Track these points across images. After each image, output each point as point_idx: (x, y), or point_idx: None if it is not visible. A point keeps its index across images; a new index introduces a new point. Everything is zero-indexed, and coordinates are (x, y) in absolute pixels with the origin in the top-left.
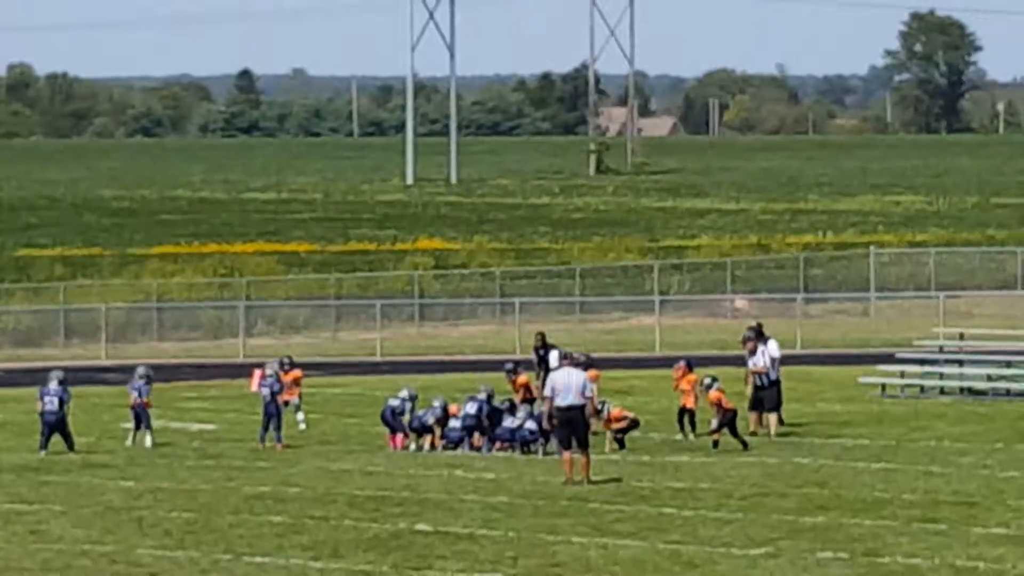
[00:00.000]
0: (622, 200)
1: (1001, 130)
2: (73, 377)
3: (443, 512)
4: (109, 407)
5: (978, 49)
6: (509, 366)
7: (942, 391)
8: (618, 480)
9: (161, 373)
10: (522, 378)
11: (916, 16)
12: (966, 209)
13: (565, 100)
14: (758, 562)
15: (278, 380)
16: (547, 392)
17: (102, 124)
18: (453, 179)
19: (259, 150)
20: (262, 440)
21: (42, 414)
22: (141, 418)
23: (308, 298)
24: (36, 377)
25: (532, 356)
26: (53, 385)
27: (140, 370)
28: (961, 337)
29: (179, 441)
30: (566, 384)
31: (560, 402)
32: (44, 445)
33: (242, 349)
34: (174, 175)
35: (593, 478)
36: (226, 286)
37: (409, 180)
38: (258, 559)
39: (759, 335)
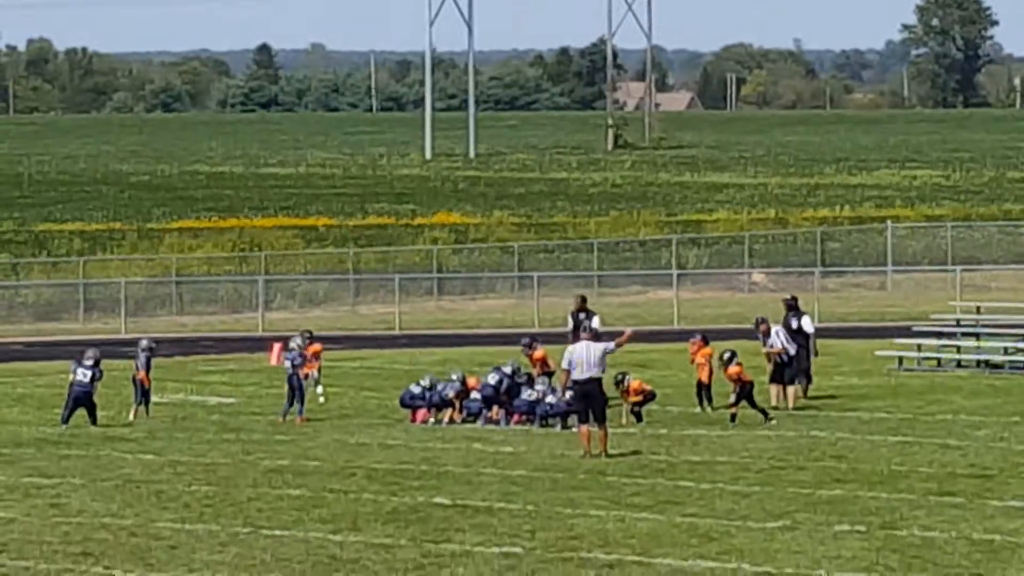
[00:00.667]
0: (639, 175)
1: (1018, 104)
2: None
3: (462, 485)
4: (129, 381)
5: (995, 23)
6: (526, 340)
7: (959, 364)
8: (636, 453)
9: (180, 347)
10: (539, 352)
11: None
12: (983, 183)
13: (583, 75)
14: (775, 535)
15: (301, 354)
16: (564, 364)
17: (121, 99)
18: (471, 154)
19: (278, 125)
20: (284, 415)
21: (72, 385)
22: (139, 391)
23: (327, 272)
24: (57, 351)
25: (569, 321)
26: (88, 362)
27: (143, 343)
28: (978, 311)
29: (198, 415)
30: (584, 357)
31: (578, 375)
32: (66, 419)
33: (261, 323)
34: (193, 150)
35: (610, 451)
36: (245, 260)
37: (427, 155)
38: (277, 532)
39: (794, 309)
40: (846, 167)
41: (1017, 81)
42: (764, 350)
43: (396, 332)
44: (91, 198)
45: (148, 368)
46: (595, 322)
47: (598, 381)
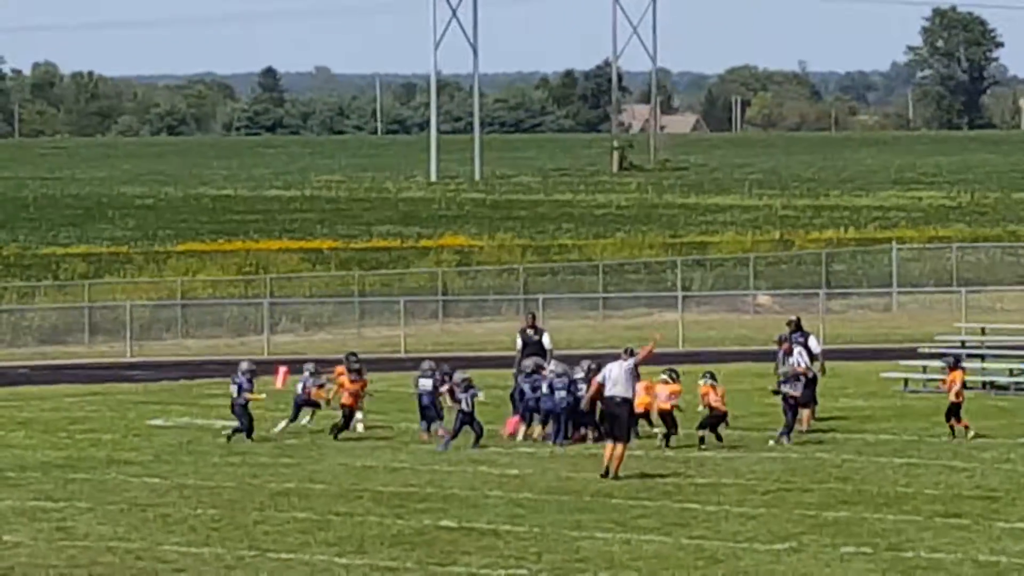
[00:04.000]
0: (645, 196)
1: (1022, 126)
2: (98, 375)
3: (467, 508)
4: (135, 404)
5: (999, 45)
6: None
7: (964, 386)
8: (643, 476)
9: (185, 370)
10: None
11: (938, 12)
12: (988, 205)
13: (588, 97)
14: (781, 557)
15: (249, 380)
16: (599, 379)
17: (127, 123)
18: (476, 176)
19: (283, 148)
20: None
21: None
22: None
23: (332, 295)
24: (62, 374)
25: (518, 340)
26: (241, 376)
27: (243, 365)
28: (983, 332)
29: (204, 438)
30: (617, 375)
31: (608, 392)
32: (229, 436)
33: (266, 346)
34: (198, 173)
35: (620, 474)
36: (250, 283)
37: (433, 177)
38: (283, 555)
39: (798, 329)
40: (851, 188)
41: (1022, 102)
42: (782, 370)
43: (401, 355)
44: (96, 221)
45: (249, 389)
46: (545, 340)
47: (626, 402)
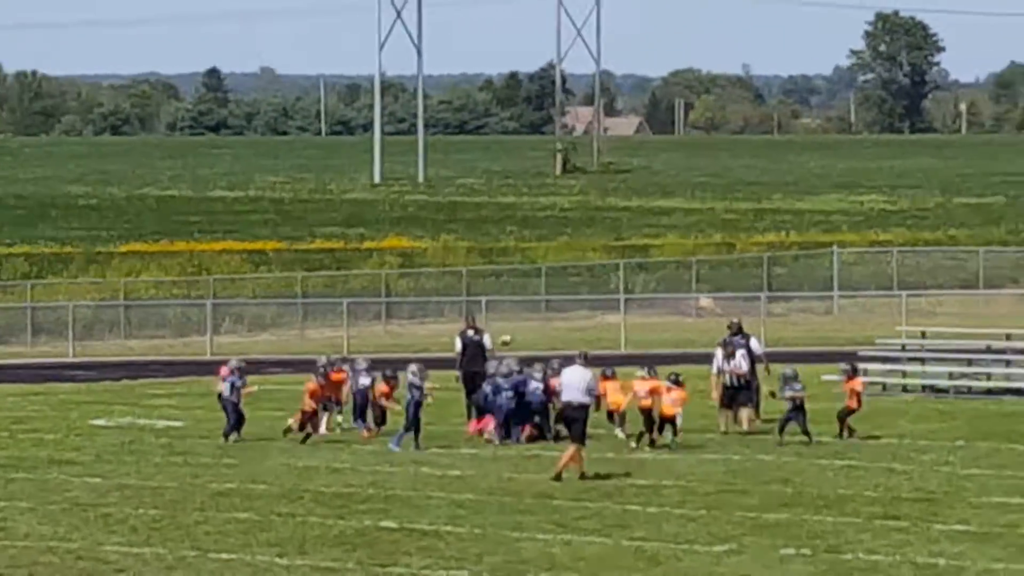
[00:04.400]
0: (588, 199)
1: (964, 130)
2: (40, 374)
3: (409, 509)
4: (77, 404)
5: (941, 50)
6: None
7: (904, 389)
8: (583, 477)
9: (128, 370)
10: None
11: (880, 16)
12: (928, 209)
13: (532, 99)
14: (721, 559)
15: (241, 377)
16: (557, 386)
17: (70, 122)
18: (420, 178)
19: (227, 148)
20: (227, 435)
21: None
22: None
23: (275, 296)
24: (3, 374)
25: (457, 342)
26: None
27: (233, 363)
28: (923, 335)
29: (146, 438)
30: (570, 381)
31: (564, 398)
32: (226, 433)
33: (209, 347)
34: (142, 173)
35: (563, 475)
36: (193, 284)
37: (376, 179)
38: (224, 556)
39: (739, 332)
40: (793, 192)
41: (963, 107)
42: (727, 369)
43: (345, 356)
44: (39, 221)
45: (244, 385)
46: (486, 340)
47: (583, 407)
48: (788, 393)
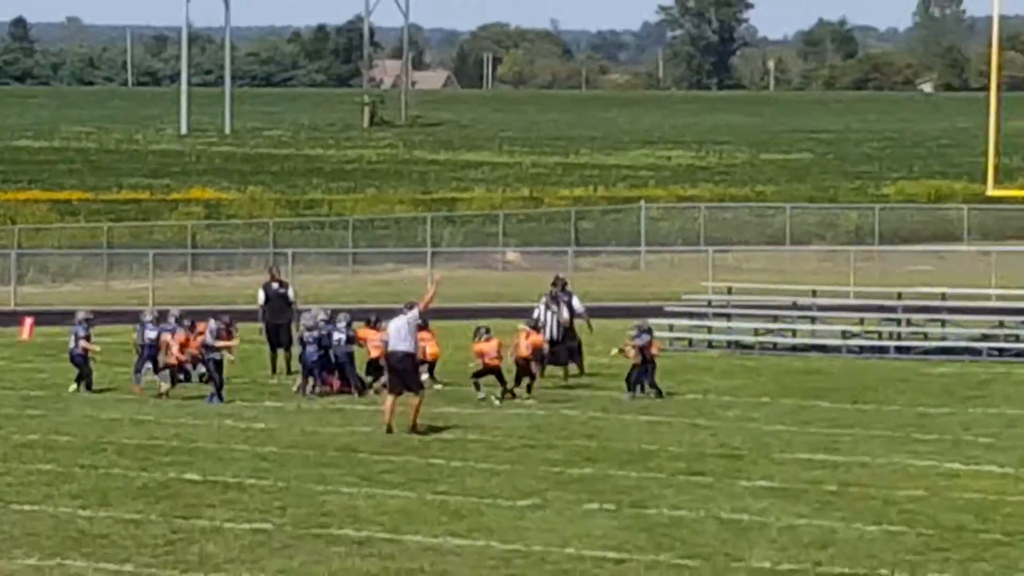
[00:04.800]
0: (395, 152)
1: (772, 87)
2: None
3: (213, 461)
4: None
5: (749, 6)
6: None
7: (710, 345)
8: (389, 431)
9: None
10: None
11: None
12: (736, 165)
13: (339, 52)
14: (525, 513)
15: (87, 328)
16: (384, 337)
17: None
18: (227, 130)
19: (32, 98)
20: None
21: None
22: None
23: (81, 247)
24: None
25: (260, 294)
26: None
27: (80, 314)
28: (729, 291)
29: None
30: (396, 331)
31: (390, 347)
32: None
33: (13, 297)
34: None
35: (362, 428)
36: None
37: (183, 130)
38: (27, 507)
39: (564, 288)
40: (601, 147)
41: (771, 64)
42: (549, 322)
43: (150, 307)
44: None
45: (89, 338)
46: (290, 293)
47: (409, 356)
48: (637, 342)
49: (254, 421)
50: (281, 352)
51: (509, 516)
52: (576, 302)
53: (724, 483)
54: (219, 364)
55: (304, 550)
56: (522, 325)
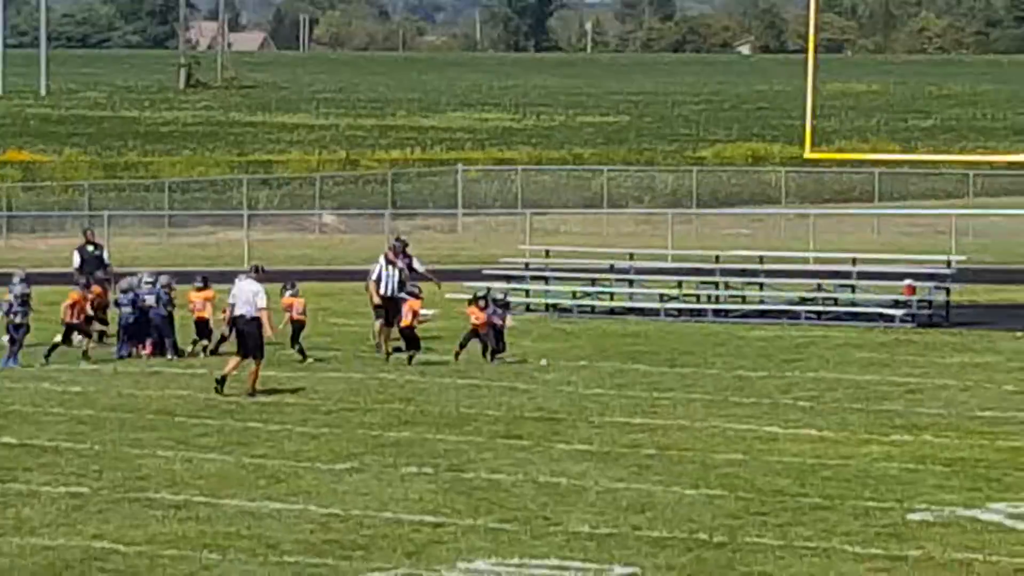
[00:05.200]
0: (212, 114)
1: (589, 50)
2: None
3: (29, 425)
4: None
5: None
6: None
7: (528, 308)
8: (205, 394)
9: None
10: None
11: None
12: (552, 127)
13: (156, 14)
14: (343, 476)
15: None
16: (230, 300)
17: None
18: (43, 91)
19: None
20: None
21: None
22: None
23: None
24: None
25: (75, 257)
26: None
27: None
28: (547, 255)
29: None
30: (241, 294)
31: (236, 311)
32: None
33: None
34: None
35: (179, 392)
36: None
37: None
38: None
39: (404, 250)
40: (417, 109)
41: (588, 26)
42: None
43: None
44: None
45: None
46: (104, 255)
47: (254, 320)
48: (495, 319)
49: (70, 384)
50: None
51: (327, 480)
52: (417, 263)
53: (542, 447)
54: (18, 328)
55: (121, 513)
56: (403, 293)
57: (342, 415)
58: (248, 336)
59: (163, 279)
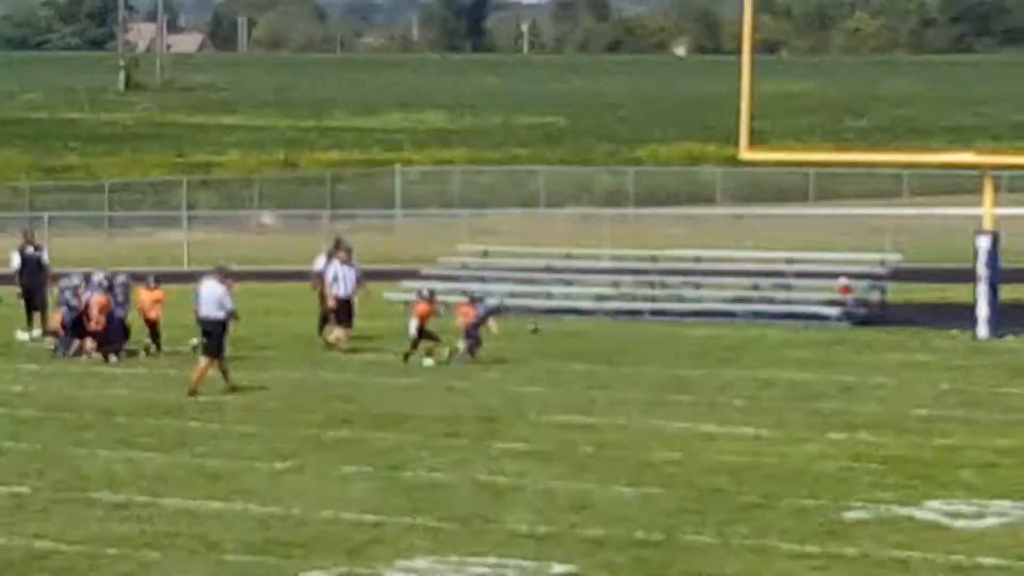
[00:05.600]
0: (151, 115)
1: (526, 51)
2: None
3: None
4: None
5: None
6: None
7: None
8: (148, 393)
9: None
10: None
11: None
12: (490, 128)
13: (95, 16)
14: (283, 476)
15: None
16: (193, 301)
17: None
18: None
19: None
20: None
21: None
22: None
23: None
24: None
25: (14, 258)
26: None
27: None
28: (485, 254)
29: None
30: (205, 295)
31: (200, 313)
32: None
33: None
34: None
35: (120, 392)
36: None
37: None
38: None
39: (342, 249)
40: (356, 111)
41: (525, 27)
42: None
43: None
44: None
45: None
46: (44, 257)
47: (217, 322)
48: (491, 323)
49: (11, 384)
50: (37, 315)
51: (267, 479)
52: (356, 265)
53: (480, 445)
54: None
55: (62, 513)
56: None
57: (282, 415)
58: (210, 336)
59: (121, 278)
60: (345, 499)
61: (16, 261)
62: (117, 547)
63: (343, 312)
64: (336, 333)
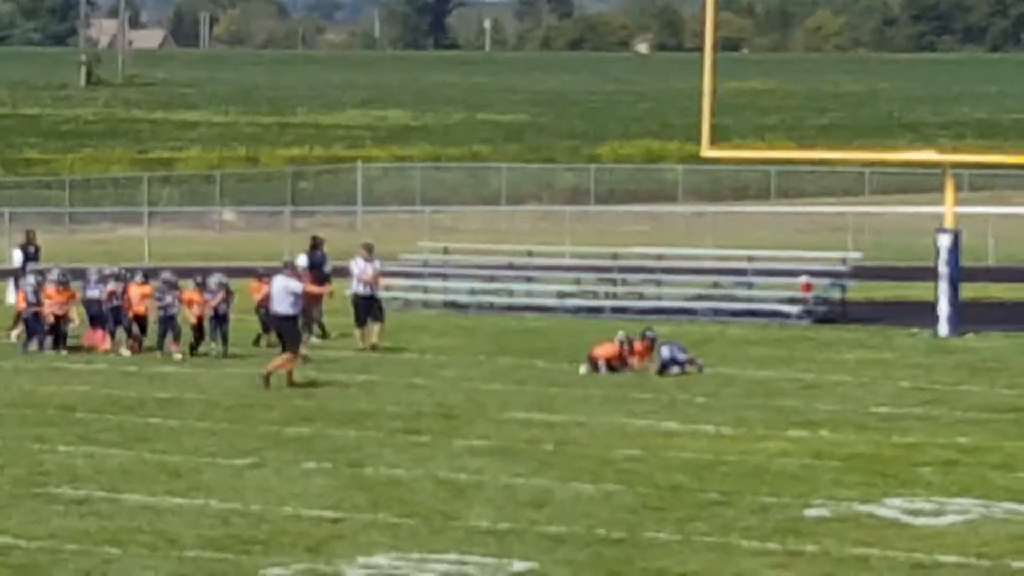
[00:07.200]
0: (113, 111)
1: (487, 48)
2: None
3: None
4: None
5: None
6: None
7: (426, 304)
8: (109, 390)
9: None
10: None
11: None
12: (452, 125)
13: (56, 11)
14: (243, 472)
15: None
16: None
17: None
18: None
19: None
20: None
21: None
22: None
23: None
24: None
25: (16, 255)
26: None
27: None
28: (446, 252)
29: None
30: (276, 292)
31: (272, 309)
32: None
33: None
34: None
35: (80, 387)
36: None
37: None
38: None
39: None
40: (318, 107)
41: (487, 24)
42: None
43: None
44: None
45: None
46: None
47: (289, 318)
48: None
49: None
50: None
51: (227, 475)
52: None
53: (441, 442)
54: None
55: (22, 509)
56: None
57: (242, 411)
58: (285, 332)
59: (166, 274)
60: (306, 495)
61: (18, 258)
62: (78, 543)
63: (375, 308)
64: (372, 331)
